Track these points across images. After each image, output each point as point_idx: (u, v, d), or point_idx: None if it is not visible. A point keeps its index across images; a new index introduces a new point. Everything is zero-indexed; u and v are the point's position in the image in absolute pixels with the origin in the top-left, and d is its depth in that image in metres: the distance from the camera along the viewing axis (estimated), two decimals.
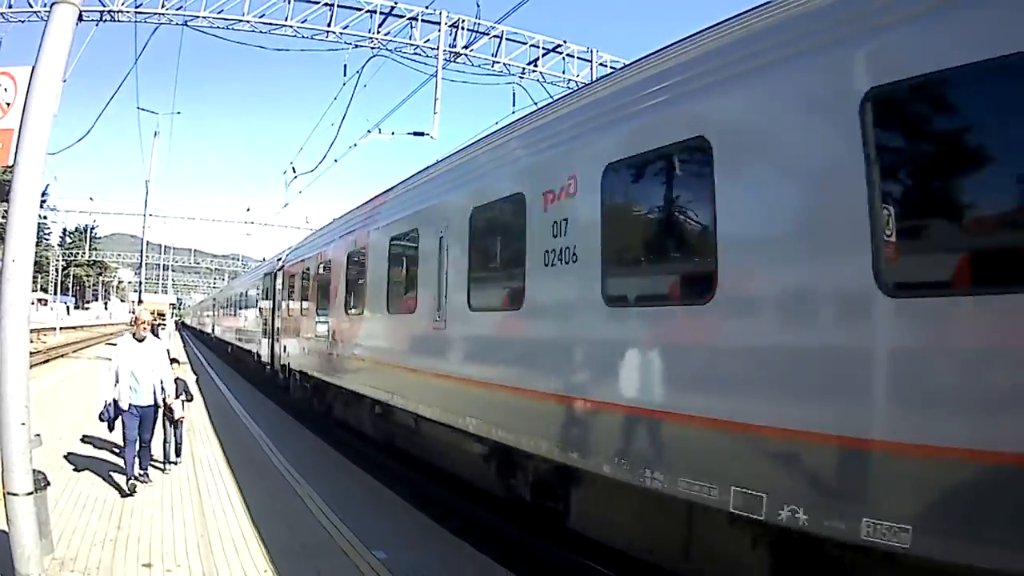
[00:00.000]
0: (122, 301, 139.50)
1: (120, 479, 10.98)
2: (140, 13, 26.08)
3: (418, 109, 24.54)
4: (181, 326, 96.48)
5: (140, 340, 11.20)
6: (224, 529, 9.06)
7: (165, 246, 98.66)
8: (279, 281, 24.66)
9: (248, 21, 26.90)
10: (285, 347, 22.87)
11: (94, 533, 8.57)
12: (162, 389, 11.32)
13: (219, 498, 10.63)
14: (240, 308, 39.72)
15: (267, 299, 27.28)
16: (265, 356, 26.99)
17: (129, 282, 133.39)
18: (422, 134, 23.03)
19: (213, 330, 60.10)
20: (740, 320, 5.57)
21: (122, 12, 25.84)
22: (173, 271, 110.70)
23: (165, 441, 12.57)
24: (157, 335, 47.66)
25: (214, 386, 26.30)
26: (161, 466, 12.20)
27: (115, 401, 10.81)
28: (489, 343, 9.27)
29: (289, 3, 26.99)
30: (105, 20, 25.82)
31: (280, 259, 25.94)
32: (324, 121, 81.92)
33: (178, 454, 12.76)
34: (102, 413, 11.08)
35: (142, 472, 11.13)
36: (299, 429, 17.89)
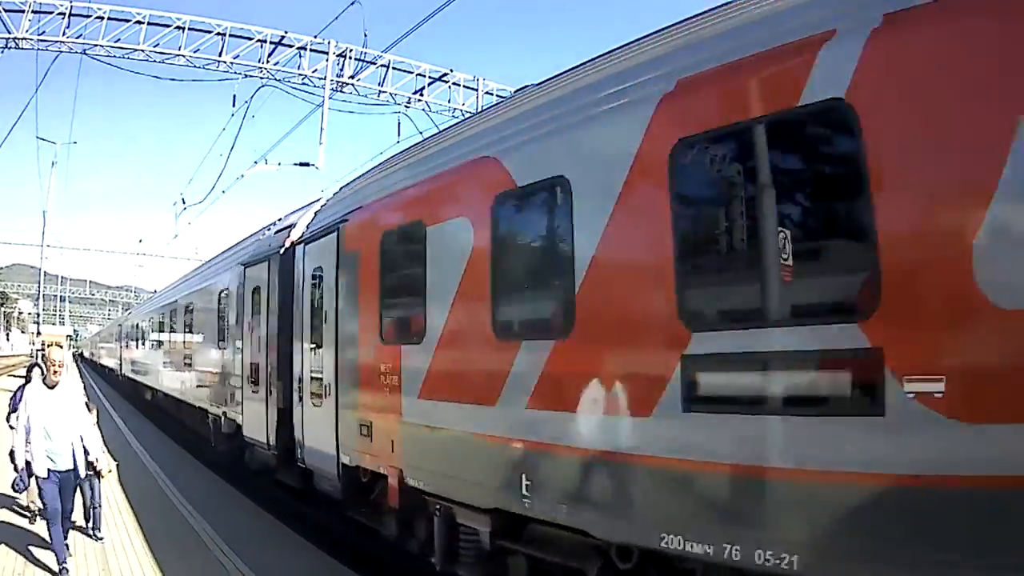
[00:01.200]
0: (23, 332, 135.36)
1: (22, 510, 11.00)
2: (43, 40, 26.62)
3: (307, 139, 25.48)
4: (79, 358, 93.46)
5: (52, 387, 8.78)
6: (124, 565, 9.28)
7: (62, 277, 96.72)
8: (315, 266, 11.52)
9: (143, 50, 27.52)
10: (367, 426, 9.57)
11: (1, 569, 8.79)
12: (84, 449, 9.00)
13: (118, 533, 10.67)
14: (174, 336, 23.99)
15: (259, 313, 14.05)
16: (259, 432, 13.62)
17: (29, 313, 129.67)
18: (307, 164, 23.97)
19: (121, 367, 44.19)
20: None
21: (26, 39, 26.27)
22: (70, 302, 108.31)
23: (84, 505, 10.23)
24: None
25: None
26: (91, 534, 10.20)
27: (28, 464, 8.73)
28: None
29: (184, 32, 27.71)
30: (9, 47, 26.31)
31: (294, 226, 13.57)
32: (214, 152, 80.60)
33: (97, 525, 10.28)
34: (15, 482, 9.07)
35: (64, 560, 8.77)
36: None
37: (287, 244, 13.06)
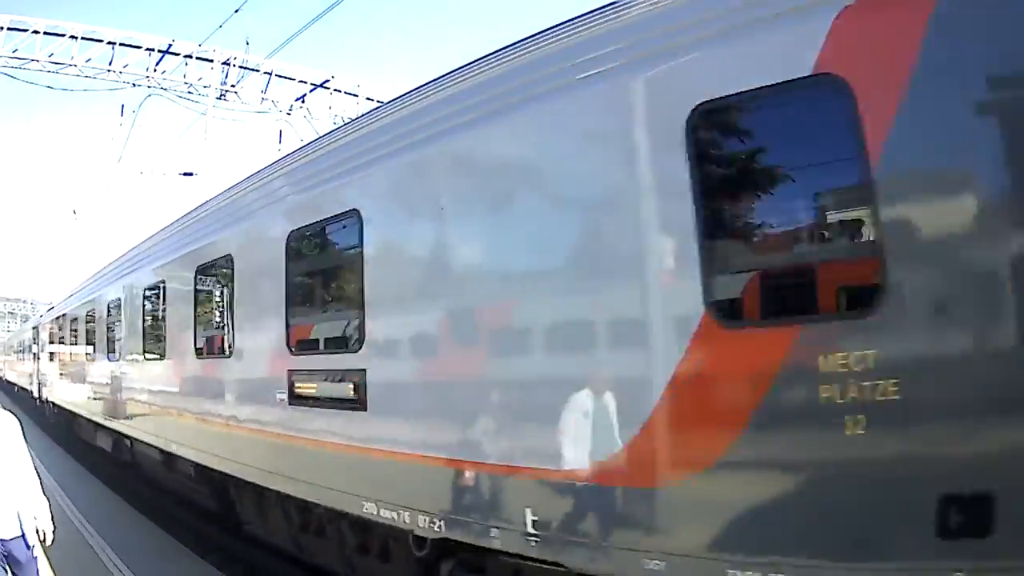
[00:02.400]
0: None
1: None
2: None
3: (195, 148, 26.84)
4: None
5: None
6: None
7: None
8: None
9: (38, 60, 28.38)
10: None
11: None
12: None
13: None
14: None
15: None
16: None
17: None
18: (190, 174, 25.36)
19: (39, 386, 31.45)
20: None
21: None
22: None
23: None
24: None
25: None
26: None
27: None
28: None
29: (76, 42, 28.57)
30: None
31: None
32: (105, 162, 78.11)
33: None
34: None
35: None
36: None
37: None
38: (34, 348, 33.70)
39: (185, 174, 25.50)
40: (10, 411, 7.15)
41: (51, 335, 28.53)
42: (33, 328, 36.42)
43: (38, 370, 31.80)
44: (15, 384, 45.13)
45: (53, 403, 27.10)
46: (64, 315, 25.39)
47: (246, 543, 11.67)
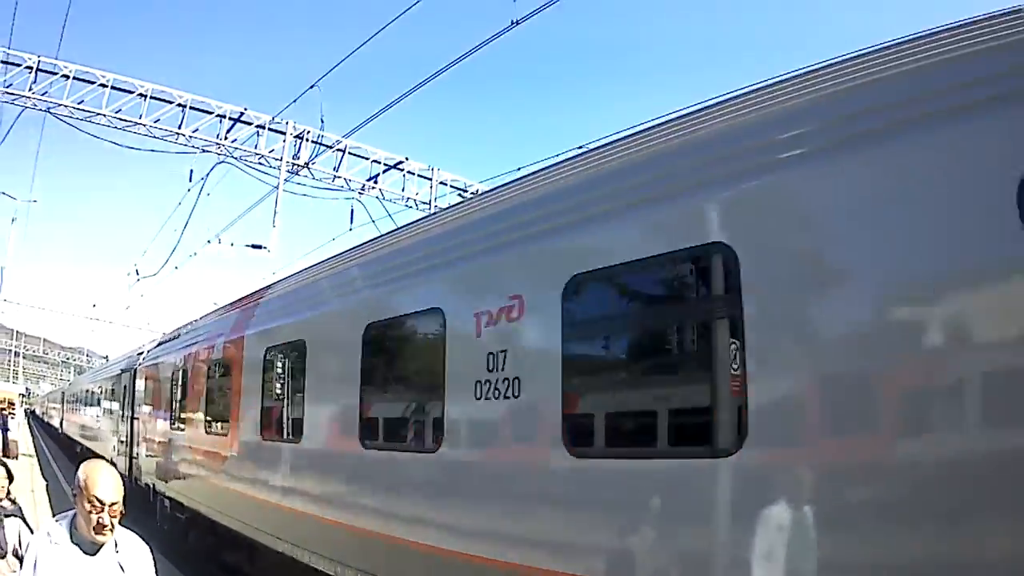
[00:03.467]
0: None
1: None
2: (8, 94, 26.28)
3: (262, 218, 25.36)
4: (30, 415, 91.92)
5: (93, 552, 4.22)
6: None
7: (17, 332, 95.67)
8: None
9: (104, 115, 27.25)
10: None
11: None
12: None
13: None
14: None
15: None
16: None
17: None
18: (259, 247, 23.84)
19: (136, 465, 19.79)
20: None
21: None
22: (24, 359, 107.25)
23: None
24: (6, 427, 33.28)
25: None
26: None
27: None
28: None
29: (145, 100, 27.38)
30: None
31: None
32: (169, 225, 78.65)
33: None
34: None
35: None
36: None
37: None
38: (124, 406, 22.85)
39: (254, 246, 23.75)
40: (137, 533, 4.68)
41: (167, 385, 16.96)
42: (124, 372, 23.99)
43: (133, 439, 20.66)
44: (73, 438, 34.29)
45: (170, 499, 15.92)
46: (209, 350, 13.91)
47: None
